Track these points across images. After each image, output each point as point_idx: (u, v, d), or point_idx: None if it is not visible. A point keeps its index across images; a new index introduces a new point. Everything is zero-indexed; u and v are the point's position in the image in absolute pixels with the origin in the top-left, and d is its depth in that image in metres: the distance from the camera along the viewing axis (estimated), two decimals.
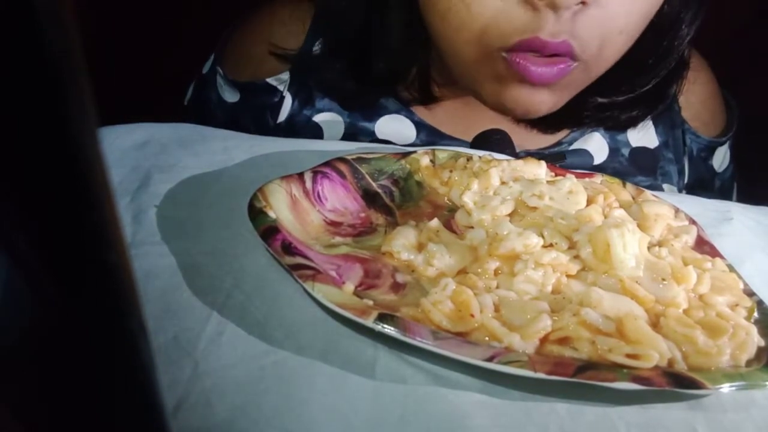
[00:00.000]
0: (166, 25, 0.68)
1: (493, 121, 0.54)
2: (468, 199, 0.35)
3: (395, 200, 0.38)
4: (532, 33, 0.41)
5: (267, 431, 0.23)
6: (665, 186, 0.58)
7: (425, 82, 0.54)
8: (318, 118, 0.55)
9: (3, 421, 0.12)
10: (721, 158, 0.62)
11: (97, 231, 0.11)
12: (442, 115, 0.56)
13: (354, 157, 0.39)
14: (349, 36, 0.52)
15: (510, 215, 0.34)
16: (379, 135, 0.55)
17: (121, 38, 0.64)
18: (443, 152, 0.42)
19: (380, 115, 0.55)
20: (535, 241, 0.31)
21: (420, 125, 0.55)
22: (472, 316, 0.27)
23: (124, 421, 0.14)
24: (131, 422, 0.14)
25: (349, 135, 0.55)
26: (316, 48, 0.54)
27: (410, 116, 0.55)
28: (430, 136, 0.55)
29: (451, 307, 0.28)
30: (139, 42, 0.67)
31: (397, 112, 0.55)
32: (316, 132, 0.55)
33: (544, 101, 0.46)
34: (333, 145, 0.44)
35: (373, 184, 0.38)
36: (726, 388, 0.25)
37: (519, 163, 0.39)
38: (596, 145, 0.57)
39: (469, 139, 0.54)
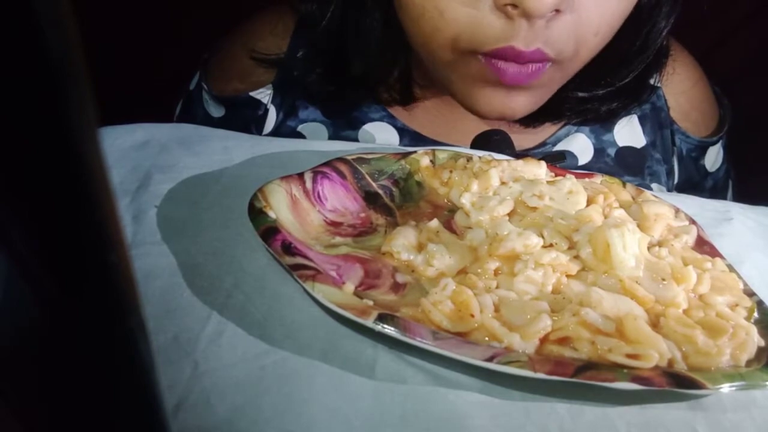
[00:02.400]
0: (166, 24, 0.68)
1: (475, 123, 0.54)
2: (466, 201, 0.35)
3: (395, 200, 0.38)
4: (506, 42, 0.41)
5: (267, 431, 0.23)
6: (654, 186, 0.57)
7: (406, 84, 0.54)
8: (302, 128, 0.56)
9: (3, 421, 0.12)
10: (713, 158, 0.61)
11: (97, 231, 0.11)
12: (424, 120, 0.56)
13: (354, 157, 0.39)
14: (327, 39, 0.52)
15: (510, 215, 0.34)
16: (363, 143, 0.55)
17: (121, 38, 0.64)
18: (443, 152, 0.42)
19: (363, 123, 0.55)
20: (535, 241, 0.31)
21: (403, 131, 0.55)
22: (472, 316, 0.27)
23: (124, 421, 0.14)
24: (131, 422, 0.14)
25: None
26: (300, 55, 0.55)
27: (393, 122, 0.55)
28: (413, 141, 0.55)
29: (451, 307, 0.28)
30: (139, 42, 0.67)
31: (380, 119, 0.55)
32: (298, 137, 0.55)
33: (520, 104, 0.46)
34: (333, 145, 0.44)
35: (373, 184, 0.38)
36: (726, 388, 0.25)
37: (519, 163, 0.39)
38: (581, 145, 0.56)
39: (452, 142, 0.54)
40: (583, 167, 0.56)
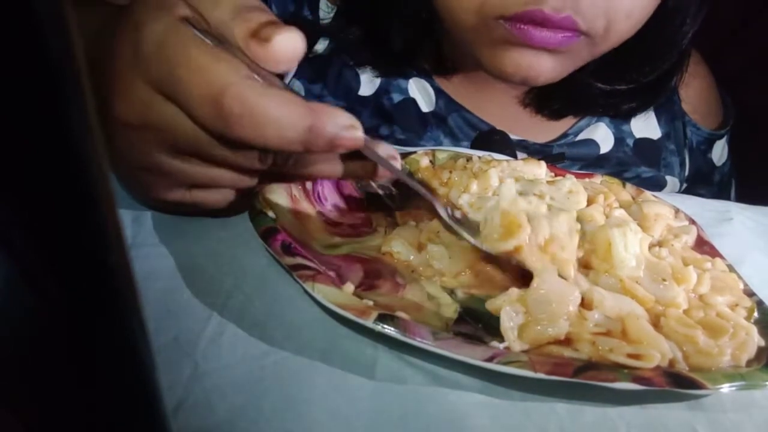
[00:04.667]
0: None
1: (503, 98, 0.55)
2: (464, 202, 0.35)
3: (395, 200, 0.38)
4: (535, 5, 0.41)
5: (267, 431, 0.23)
6: (668, 178, 0.59)
7: (438, 56, 0.55)
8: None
9: (3, 421, 0.12)
10: (719, 152, 0.63)
11: (98, 232, 0.11)
12: (458, 86, 0.57)
13: None
14: (363, 7, 0.53)
15: None
16: (410, 92, 0.57)
17: None
18: (443, 153, 0.42)
19: (411, 76, 0.57)
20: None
21: (439, 92, 0.57)
22: (520, 227, 0.28)
23: (124, 421, 0.14)
24: (131, 422, 0.14)
25: (384, 90, 0.57)
26: (334, 18, 0.56)
27: (431, 82, 0.57)
28: (447, 104, 0.56)
29: (500, 231, 0.29)
30: None
31: (418, 75, 0.57)
32: (353, 76, 0.56)
33: (545, 67, 0.46)
34: None
35: (373, 184, 0.38)
36: (726, 388, 0.25)
37: (519, 163, 0.39)
38: (602, 134, 0.58)
39: (480, 113, 0.56)
40: (604, 156, 0.57)
